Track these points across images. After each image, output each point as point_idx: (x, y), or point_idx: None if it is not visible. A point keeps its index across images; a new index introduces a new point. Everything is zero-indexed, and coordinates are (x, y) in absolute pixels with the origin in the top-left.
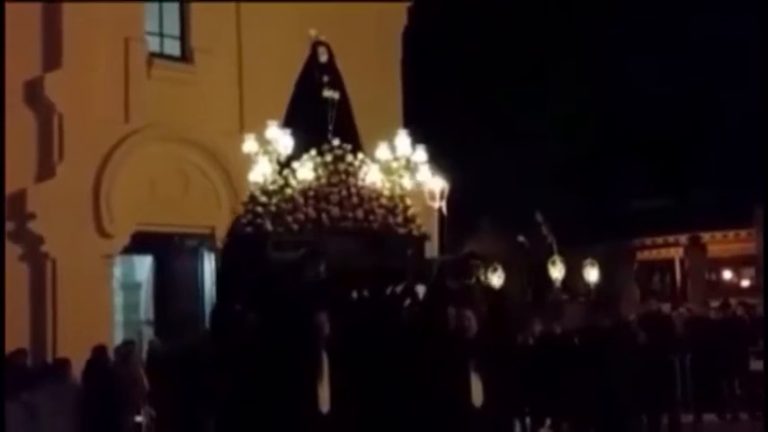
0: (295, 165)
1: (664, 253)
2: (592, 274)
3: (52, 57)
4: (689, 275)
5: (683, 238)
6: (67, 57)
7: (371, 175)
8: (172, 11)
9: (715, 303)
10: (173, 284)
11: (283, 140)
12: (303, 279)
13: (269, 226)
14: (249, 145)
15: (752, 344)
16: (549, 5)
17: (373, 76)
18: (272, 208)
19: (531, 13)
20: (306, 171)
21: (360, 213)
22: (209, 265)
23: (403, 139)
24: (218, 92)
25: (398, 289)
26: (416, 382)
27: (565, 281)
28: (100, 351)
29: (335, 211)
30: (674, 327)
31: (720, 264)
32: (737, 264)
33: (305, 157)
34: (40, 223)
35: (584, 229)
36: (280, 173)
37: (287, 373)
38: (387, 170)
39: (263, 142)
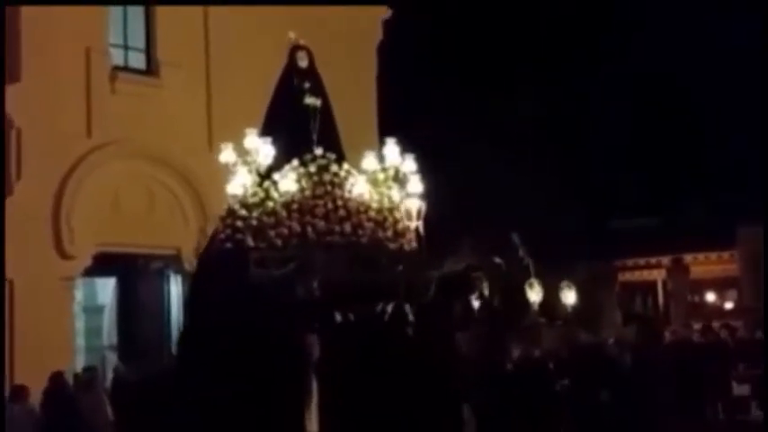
0: (276, 176)
1: (646, 275)
2: (569, 297)
3: (10, 69)
4: (672, 298)
5: (666, 260)
6: (27, 69)
7: (358, 187)
8: (136, 22)
9: (698, 326)
10: (137, 308)
11: (263, 150)
12: (291, 297)
13: (250, 241)
14: (226, 155)
15: (734, 368)
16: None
17: (348, 88)
18: (253, 222)
19: (522, 21)
20: (288, 183)
21: (347, 227)
22: (175, 288)
23: (391, 149)
24: (186, 106)
25: (389, 308)
26: (410, 410)
27: (542, 304)
28: (57, 378)
29: (321, 224)
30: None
31: (703, 286)
32: (721, 286)
33: (287, 167)
34: None
35: (564, 250)
36: (260, 185)
37: (271, 398)
38: (374, 181)
39: (242, 152)
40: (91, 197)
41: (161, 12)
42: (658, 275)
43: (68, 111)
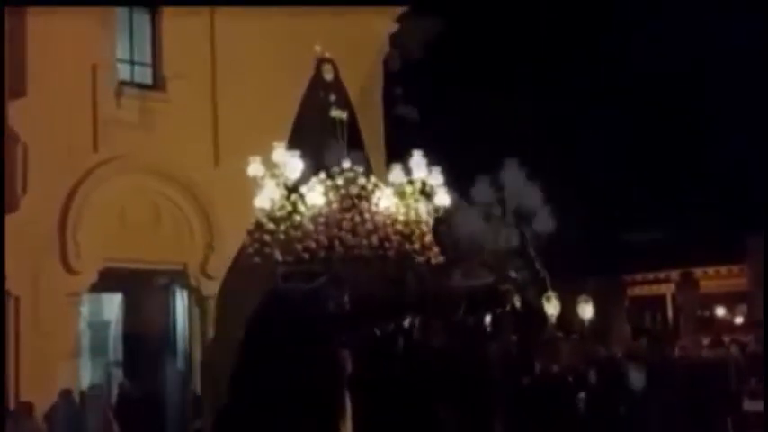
0: (303, 189)
1: (655, 289)
2: (587, 311)
3: (16, 84)
4: (681, 312)
5: (675, 274)
6: (32, 84)
7: (385, 200)
8: (143, 37)
9: (707, 341)
10: (143, 323)
11: (291, 163)
12: (321, 311)
13: (278, 255)
14: (254, 168)
15: (746, 383)
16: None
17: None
18: (281, 236)
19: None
20: (315, 196)
21: (374, 240)
22: (181, 303)
23: (418, 161)
24: (192, 121)
25: (416, 321)
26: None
27: (558, 317)
28: (64, 396)
29: (349, 238)
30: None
31: (713, 300)
32: (730, 300)
33: (314, 180)
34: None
35: (573, 264)
36: (287, 198)
37: (304, 415)
38: (401, 194)
39: (270, 165)
40: (97, 212)
41: (167, 26)
42: (667, 290)
43: (75, 125)
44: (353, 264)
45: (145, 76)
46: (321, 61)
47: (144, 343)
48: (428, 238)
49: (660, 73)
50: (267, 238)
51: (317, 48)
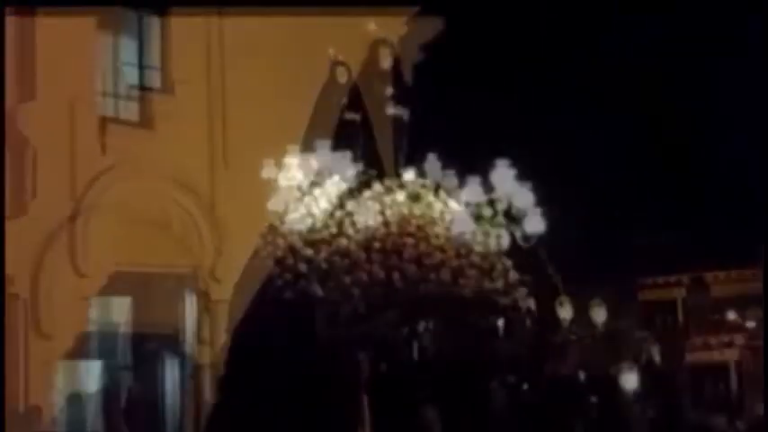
0: (351, 206)
1: (666, 293)
2: (600, 315)
3: (26, 87)
4: (692, 317)
5: (686, 278)
6: (41, 88)
7: (459, 224)
8: (151, 40)
9: (718, 344)
10: (152, 327)
11: (337, 171)
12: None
13: (318, 290)
14: (287, 176)
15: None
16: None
17: None
18: (323, 265)
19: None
20: (368, 215)
21: (445, 275)
22: (190, 307)
23: (503, 175)
24: (201, 124)
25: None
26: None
27: (571, 321)
28: (73, 399)
29: (412, 270)
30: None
31: (724, 304)
32: (743, 304)
33: (365, 195)
34: (11, 262)
35: (585, 267)
36: (331, 216)
37: (318, 421)
38: (478, 217)
39: (307, 172)
40: (106, 216)
41: (176, 28)
42: (678, 294)
43: (83, 129)
44: (418, 305)
45: (153, 79)
46: (377, 44)
47: (153, 347)
48: (513, 274)
49: (669, 71)
50: (303, 267)
51: (331, 51)
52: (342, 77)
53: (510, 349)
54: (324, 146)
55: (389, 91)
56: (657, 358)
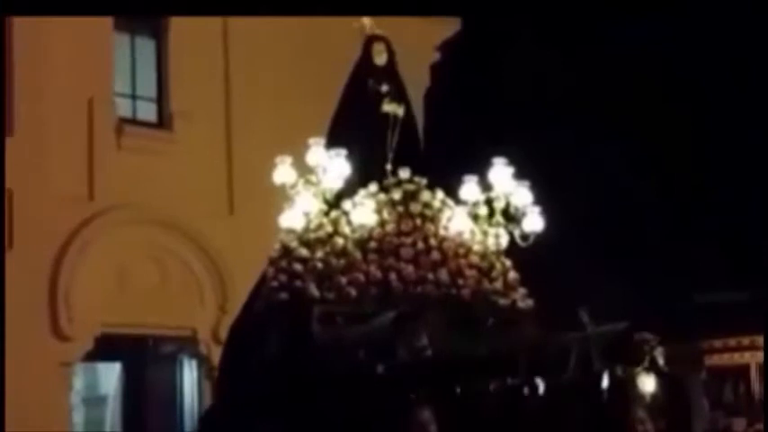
0: (348, 205)
1: (737, 358)
2: (647, 385)
3: (2, 122)
4: None
5: (760, 340)
6: (20, 122)
7: (457, 222)
8: (146, 68)
9: None
10: (146, 398)
11: (335, 167)
12: (391, 362)
13: (314, 291)
14: (284, 173)
15: None
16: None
17: None
18: (318, 265)
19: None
20: (365, 213)
21: (443, 275)
22: (189, 374)
23: (501, 172)
24: (202, 165)
25: (514, 382)
26: None
27: None
28: None
29: (409, 270)
30: None
31: None
32: None
33: (361, 193)
34: None
35: (639, 328)
36: (326, 215)
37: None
38: (476, 216)
39: (304, 170)
40: (93, 270)
41: (174, 55)
42: (752, 359)
43: (68, 169)
44: (416, 304)
45: (149, 112)
46: (371, 39)
47: (146, 419)
48: (512, 274)
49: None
50: (299, 267)
51: (365, 21)
52: (380, 57)
53: (510, 351)
54: (317, 144)
55: (384, 88)
56: (662, 361)
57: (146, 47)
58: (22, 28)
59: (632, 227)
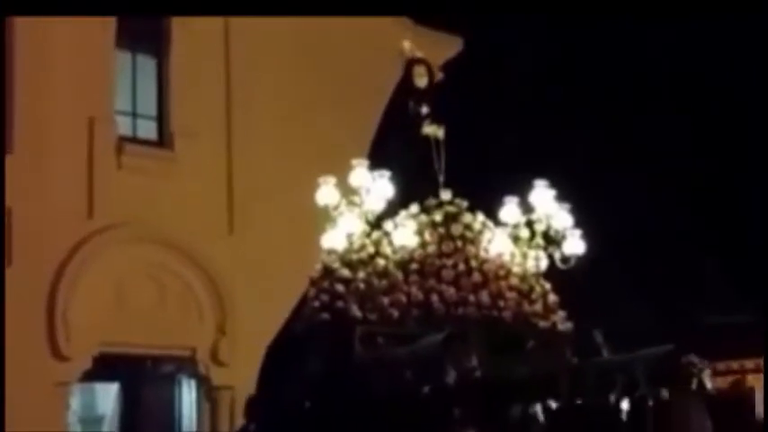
0: (389, 226)
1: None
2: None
3: (1, 140)
4: None
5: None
6: (19, 140)
7: (497, 244)
8: (147, 86)
9: None
10: (144, 418)
11: (378, 189)
12: (436, 380)
13: (356, 311)
14: (327, 194)
15: None
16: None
17: None
18: (360, 285)
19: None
20: (406, 235)
21: (484, 297)
22: (188, 395)
23: (542, 195)
24: (202, 184)
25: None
26: None
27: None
28: None
29: (450, 291)
30: None
31: None
32: None
33: (403, 215)
34: None
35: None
36: (368, 236)
37: None
38: (516, 238)
39: (347, 191)
40: (91, 288)
41: (175, 74)
42: (756, 382)
43: (67, 187)
44: (458, 326)
45: (149, 131)
46: (412, 62)
47: None
48: (552, 297)
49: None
50: (340, 288)
51: (406, 45)
52: (420, 79)
53: (551, 373)
54: (362, 166)
55: (425, 110)
56: (709, 384)
57: (147, 65)
58: (24, 45)
59: (655, 252)
